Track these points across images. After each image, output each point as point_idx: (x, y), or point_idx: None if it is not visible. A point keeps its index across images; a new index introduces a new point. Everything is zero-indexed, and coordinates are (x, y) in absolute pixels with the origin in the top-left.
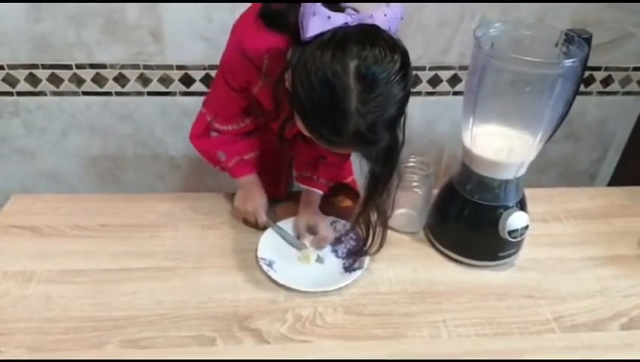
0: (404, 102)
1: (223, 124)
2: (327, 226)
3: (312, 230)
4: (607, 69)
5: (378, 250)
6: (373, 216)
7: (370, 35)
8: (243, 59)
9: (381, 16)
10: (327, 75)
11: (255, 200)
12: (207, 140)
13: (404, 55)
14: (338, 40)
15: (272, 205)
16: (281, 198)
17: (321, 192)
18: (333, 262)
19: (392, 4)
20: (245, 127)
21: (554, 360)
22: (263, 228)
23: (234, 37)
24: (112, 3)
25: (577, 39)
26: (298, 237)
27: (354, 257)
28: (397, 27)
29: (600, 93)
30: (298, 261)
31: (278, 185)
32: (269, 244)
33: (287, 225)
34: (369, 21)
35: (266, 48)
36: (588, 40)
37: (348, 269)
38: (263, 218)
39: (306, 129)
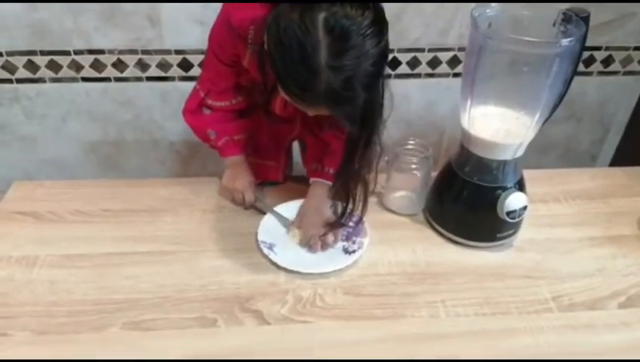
0: (379, 59)
1: (215, 100)
2: (316, 223)
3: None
4: (607, 48)
5: (359, 221)
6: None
7: None
8: (230, 32)
9: None
10: (295, 31)
11: (243, 178)
12: (199, 117)
13: (378, 11)
14: None
15: (270, 187)
16: (281, 181)
17: (329, 183)
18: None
19: None
20: (238, 105)
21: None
22: (250, 207)
23: (222, 12)
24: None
25: (575, 18)
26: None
27: (330, 228)
28: None
29: (600, 73)
30: (292, 240)
31: (277, 167)
32: (270, 228)
33: (281, 208)
34: None
35: (250, 18)
36: (586, 19)
37: (347, 251)
38: (250, 196)
39: (281, 88)
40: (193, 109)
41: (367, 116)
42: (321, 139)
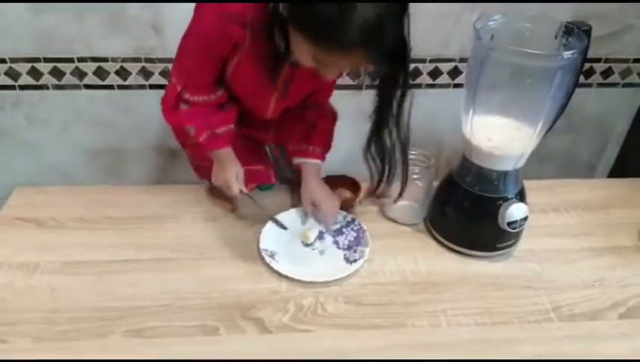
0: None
1: (193, 94)
2: (331, 200)
3: (316, 207)
4: (607, 60)
5: (401, 193)
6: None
7: None
8: (225, 25)
9: None
10: None
11: (226, 170)
12: (177, 113)
13: None
14: None
15: (263, 191)
16: (275, 183)
17: (319, 161)
18: (334, 253)
19: None
20: (217, 99)
21: (552, 360)
22: (237, 201)
23: (207, 10)
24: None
25: (577, 31)
26: (305, 215)
27: (373, 196)
28: None
29: (600, 84)
30: (299, 240)
31: (265, 171)
32: (272, 236)
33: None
34: None
35: (246, 4)
36: (587, 32)
37: (349, 260)
38: (234, 189)
39: (311, 40)
40: (172, 105)
41: (399, 56)
42: (302, 120)
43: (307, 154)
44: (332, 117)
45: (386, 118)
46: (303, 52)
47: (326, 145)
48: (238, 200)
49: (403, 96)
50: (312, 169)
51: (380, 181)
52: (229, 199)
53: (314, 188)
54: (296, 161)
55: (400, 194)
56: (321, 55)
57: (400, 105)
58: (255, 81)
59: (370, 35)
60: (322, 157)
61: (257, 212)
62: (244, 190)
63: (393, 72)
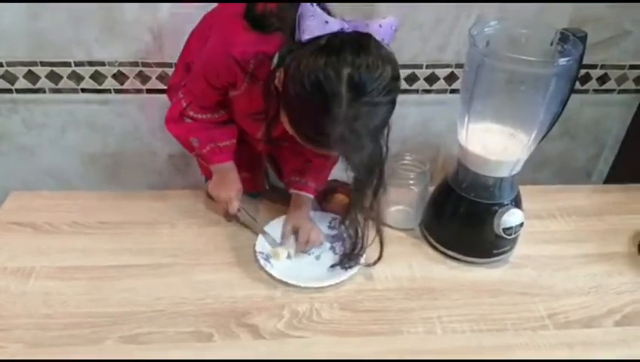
0: (389, 113)
1: (197, 112)
2: (315, 230)
3: (296, 233)
4: (603, 66)
5: (379, 259)
6: (363, 221)
7: (365, 45)
8: (229, 62)
9: (376, 26)
10: (320, 79)
11: (228, 188)
12: (180, 125)
13: (395, 68)
14: (334, 46)
15: (252, 199)
16: (261, 191)
17: (311, 196)
18: (330, 259)
19: (386, 18)
20: (220, 118)
21: (548, 360)
22: (233, 218)
23: (219, 38)
24: (110, 2)
25: (572, 38)
26: (282, 237)
27: (348, 261)
28: (390, 39)
29: (596, 91)
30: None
31: (252, 178)
32: (267, 240)
33: (269, 227)
34: (364, 30)
35: (255, 52)
36: (583, 39)
37: (344, 267)
38: (233, 208)
39: (292, 127)
40: (175, 118)
41: (373, 164)
42: (299, 153)
43: (300, 188)
44: (327, 156)
45: (357, 207)
46: (287, 127)
47: (320, 182)
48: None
49: (378, 187)
50: (304, 201)
51: (353, 249)
52: (224, 210)
53: (301, 216)
54: (290, 190)
55: (379, 258)
56: (301, 141)
57: (375, 195)
58: (249, 113)
59: (342, 145)
60: (315, 193)
61: (252, 221)
62: (240, 208)
63: (367, 176)
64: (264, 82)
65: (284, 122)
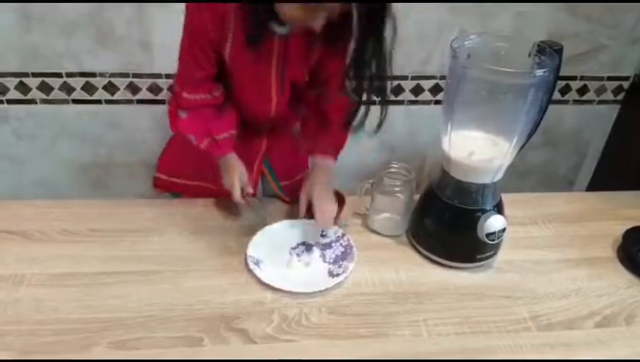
0: None
1: (191, 92)
2: (329, 207)
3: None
4: (582, 78)
5: (380, 124)
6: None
7: None
8: (207, 8)
9: None
10: None
11: (230, 173)
12: (177, 123)
13: None
14: None
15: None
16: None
17: (328, 161)
18: (319, 267)
19: None
20: (215, 99)
21: (530, 361)
22: (241, 203)
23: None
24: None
25: (549, 50)
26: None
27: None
28: None
29: (576, 101)
30: (287, 253)
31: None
32: (260, 244)
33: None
34: None
35: None
36: (559, 51)
37: (332, 274)
38: (236, 190)
39: None
40: (173, 114)
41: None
42: (319, 114)
43: (326, 153)
44: (345, 106)
45: (367, 46)
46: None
47: (339, 143)
48: (241, 208)
49: (376, 45)
50: (328, 165)
51: (355, 114)
52: (233, 206)
53: (326, 180)
54: (313, 157)
55: (379, 125)
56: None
57: (380, 32)
58: (252, 67)
59: None
60: (335, 157)
61: (252, 223)
62: (250, 190)
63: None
64: None
65: None
